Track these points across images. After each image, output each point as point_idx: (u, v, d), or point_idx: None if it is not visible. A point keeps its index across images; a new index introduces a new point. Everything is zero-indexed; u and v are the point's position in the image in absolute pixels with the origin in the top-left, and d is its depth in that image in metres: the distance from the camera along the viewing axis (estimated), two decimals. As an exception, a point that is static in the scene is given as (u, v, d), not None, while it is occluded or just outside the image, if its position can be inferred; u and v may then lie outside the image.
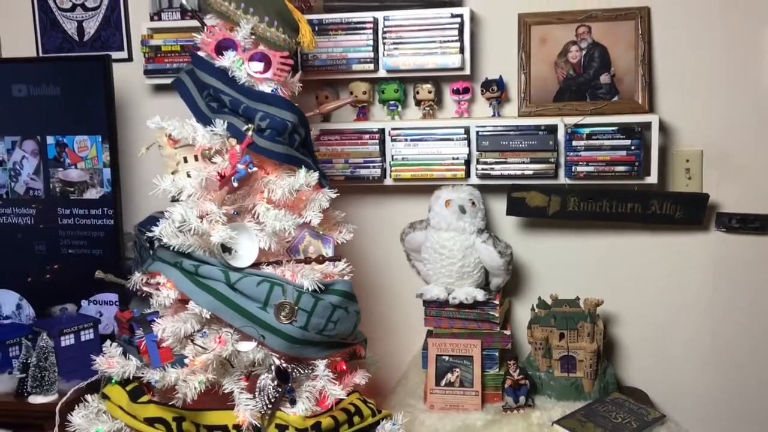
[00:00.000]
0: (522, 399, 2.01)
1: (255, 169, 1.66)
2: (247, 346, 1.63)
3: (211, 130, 1.67)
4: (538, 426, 1.93)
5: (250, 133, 1.65)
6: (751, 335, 2.17)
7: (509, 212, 2.18)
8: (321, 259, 1.73)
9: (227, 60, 1.70)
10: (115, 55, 2.31)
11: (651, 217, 2.11)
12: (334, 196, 1.79)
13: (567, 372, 2.07)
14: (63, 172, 2.23)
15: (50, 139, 2.23)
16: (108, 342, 1.77)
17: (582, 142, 2.09)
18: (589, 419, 1.90)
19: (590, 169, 2.09)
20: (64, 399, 1.91)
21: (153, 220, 1.79)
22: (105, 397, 1.71)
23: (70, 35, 2.42)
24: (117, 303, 2.20)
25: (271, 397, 1.63)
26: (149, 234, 1.71)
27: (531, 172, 2.13)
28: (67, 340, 2.08)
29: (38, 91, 2.21)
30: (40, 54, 2.43)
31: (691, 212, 2.11)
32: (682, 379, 2.23)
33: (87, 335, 2.12)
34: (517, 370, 2.03)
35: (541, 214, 2.15)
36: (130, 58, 2.40)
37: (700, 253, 2.19)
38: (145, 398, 1.67)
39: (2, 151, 2.26)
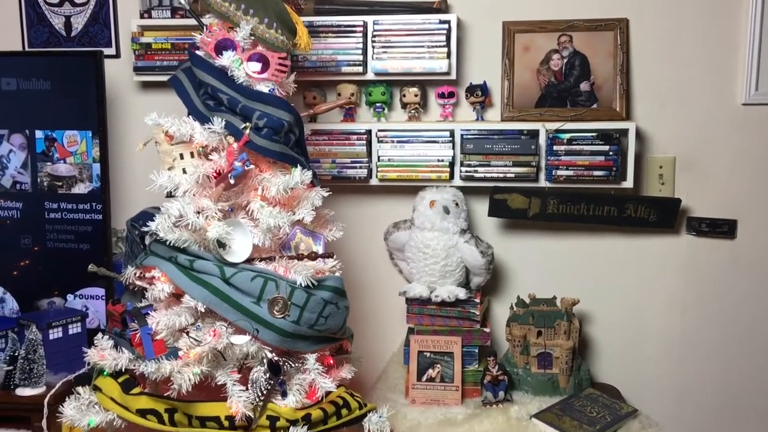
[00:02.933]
0: (501, 394, 2.08)
1: (252, 166, 1.70)
2: (240, 340, 1.67)
3: (209, 128, 1.70)
4: (516, 420, 2.00)
5: (247, 131, 1.69)
6: (717, 332, 2.28)
7: (491, 213, 2.25)
8: (313, 256, 1.78)
9: (226, 59, 1.74)
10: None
11: (626, 220, 2.20)
12: (326, 194, 1.83)
13: (544, 368, 2.14)
14: (51, 167, 2.23)
15: (39, 134, 2.23)
16: (99, 334, 1.79)
17: (563, 147, 2.17)
18: (565, 413, 1.97)
19: (570, 173, 2.17)
20: (53, 391, 1.93)
21: (146, 215, 1.82)
22: (96, 389, 1.73)
23: (58, 30, 2.42)
24: (103, 297, 2.22)
25: (263, 389, 1.67)
26: (144, 229, 1.74)
27: (513, 175, 2.20)
28: (55, 333, 2.09)
29: (28, 85, 2.21)
30: (26, 48, 2.43)
31: (663, 216, 2.20)
32: (652, 374, 2.32)
33: (75, 329, 2.13)
34: (496, 367, 2.10)
35: (521, 216, 2.23)
36: (117, 55, 2.41)
37: (671, 255, 2.28)
38: (137, 390, 1.69)
39: (-11, 145, 2.26)
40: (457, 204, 2.17)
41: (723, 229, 2.24)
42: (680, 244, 2.28)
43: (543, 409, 2.01)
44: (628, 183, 2.18)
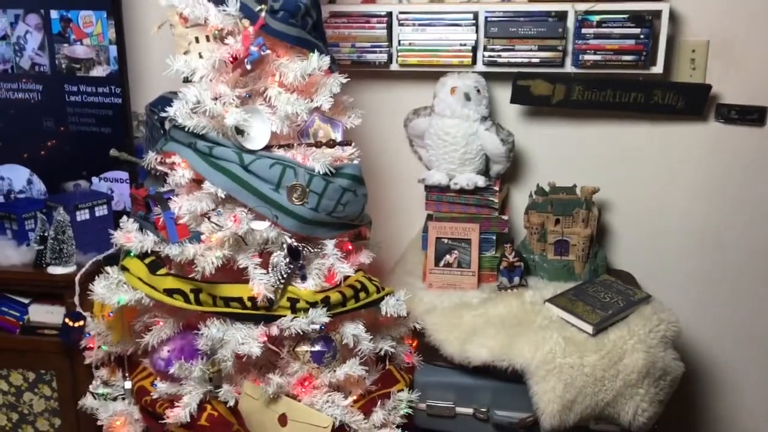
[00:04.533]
0: (516, 279, 2.12)
1: (268, 51, 1.66)
2: (260, 225, 1.70)
3: (224, 10, 1.65)
4: (530, 304, 2.04)
5: (263, 14, 1.64)
6: (740, 222, 2.27)
7: (513, 100, 2.21)
8: (331, 143, 1.77)
9: (242, -61, 1.66)
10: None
11: (653, 107, 2.14)
12: (344, 81, 1.80)
13: (560, 255, 2.17)
14: (68, 48, 2.21)
15: (54, 14, 2.19)
16: (124, 217, 1.84)
17: (591, 30, 2.08)
18: (579, 298, 2.01)
19: (597, 57, 2.10)
20: (83, 270, 2.00)
21: (164, 100, 1.81)
22: (124, 269, 1.79)
23: None
24: (128, 180, 2.25)
25: (283, 273, 1.72)
26: (163, 114, 1.74)
27: (538, 60, 2.14)
28: (83, 215, 2.15)
29: (41, -38, 2.15)
30: None
31: (692, 103, 2.14)
32: (670, 263, 2.34)
33: (101, 211, 2.19)
34: (513, 253, 2.12)
35: (544, 103, 2.18)
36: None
37: (697, 143, 2.24)
38: (163, 271, 1.75)
39: (5, 25, 2.23)
40: (478, 91, 2.13)
41: (753, 116, 2.18)
42: (707, 131, 2.23)
43: (557, 294, 2.05)
44: (658, 68, 2.10)
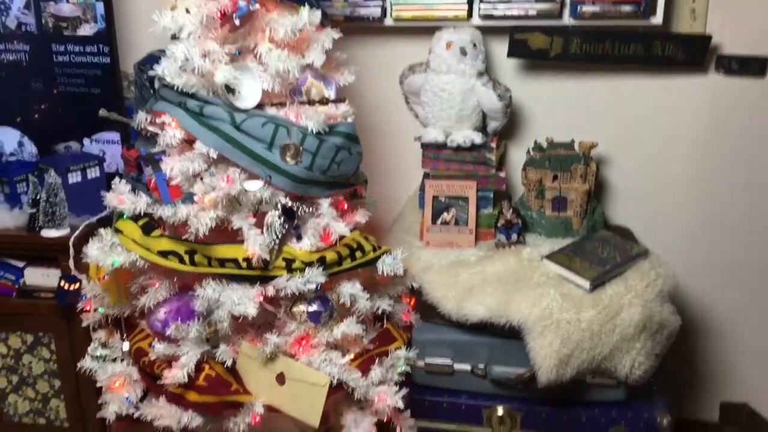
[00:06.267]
0: (514, 237, 2.11)
1: (257, 6, 1.62)
2: (254, 185, 1.68)
3: (210, -36, 1.61)
4: (528, 261, 2.04)
5: (250, -33, 1.59)
6: (739, 176, 2.25)
7: (510, 54, 2.16)
8: (325, 101, 1.74)
9: None
10: None
11: (653, 59, 2.10)
12: (337, 36, 1.76)
13: (558, 211, 2.16)
14: (55, 6, 2.15)
15: (37, -30, 2.13)
16: (117, 179, 1.82)
17: (589, -20, 2.03)
18: (577, 254, 2.00)
19: (596, 8, 2.05)
20: (77, 233, 1.99)
21: (153, 58, 1.77)
22: (118, 231, 1.77)
23: None
24: (119, 142, 2.22)
25: (278, 232, 1.70)
26: (151, 73, 1.70)
27: (535, 12, 2.09)
28: (74, 177, 2.12)
29: None
30: None
31: (692, 54, 2.10)
32: (668, 217, 2.33)
33: (93, 173, 2.16)
34: (510, 210, 2.11)
35: (542, 57, 2.14)
36: None
37: (697, 95, 2.21)
38: (156, 233, 1.73)
39: (-12, -17, 2.17)
40: (474, 45, 2.08)
41: (754, 67, 2.14)
42: (707, 83, 2.19)
43: (555, 250, 2.04)
44: (657, 19, 2.06)
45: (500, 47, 2.18)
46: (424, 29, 2.17)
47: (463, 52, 2.06)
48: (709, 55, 2.12)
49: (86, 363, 1.92)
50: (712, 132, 2.23)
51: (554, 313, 1.81)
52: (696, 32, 2.12)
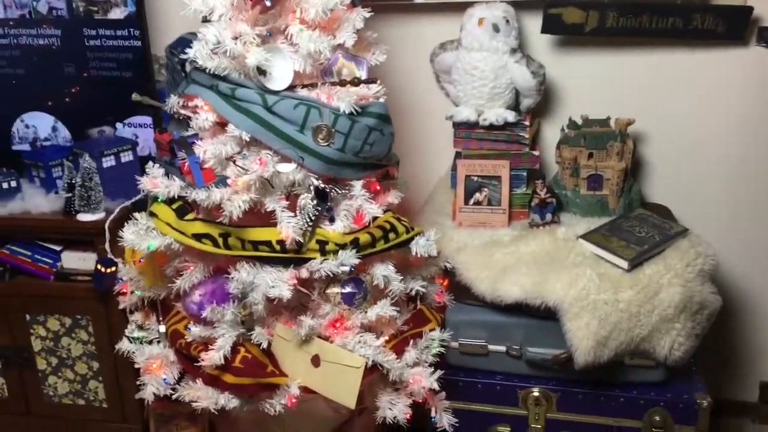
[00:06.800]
0: (548, 216, 2.08)
1: (287, -14, 1.60)
2: (286, 168, 1.68)
3: (240, -56, 1.59)
4: (563, 241, 2.01)
5: (280, -53, 1.57)
6: (779, 152, 2.19)
7: (544, 30, 2.12)
8: (356, 81, 1.72)
9: None
10: None
11: (692, 32, 2.04)
12: (368, 15, 1.74)
13: (593, 190, 2.12)
14: (85, -9, 2.16)
15: (66, -46, 2.13)
16: (150, 163, 1.83)
17: (626, -47, 1.98)
18: (613, 233, 1.96)
19: (633, -19, 2.00)
20: (112, 216, 2.01)
21: (184, 41, 1.77)
22: (153, 215, 1.79)
23: None
24: (152, 125, 2.23)
25: (311, 215, 1.70)
26: (182, 56, 1.70)
27: (569, -14, 2.04)
28: (108, 162, 2.14)
29: None
30: None
31: (733, 26, 2.04)
32: (707, 195, 2.28)
33: (127, 157, 2.18)
34: (544, 189, 2.08)
35: (577, 32, 2.09)
36: None
37: (738, 69, 2.14)
38: (190, 216, 1.75)
39: (19, -31, 2.18)
40: (507, 21, 2.04)
41: (798, 40, 2.08)
42: (749, 57, 2.12)
43: (590, 230, 2.01)
44: (697, -9, 2.00)
45: (534, 22, 2.14)
46: (456, 6, 2.13)
47: (496, 28, 2.02)
48: (750, 27, 2.06)
49: (124, 345, 1.96)
50: (753, 107, 2.17)
51: (591, 293, 1.78)
52: (736, 3, 2.05)
